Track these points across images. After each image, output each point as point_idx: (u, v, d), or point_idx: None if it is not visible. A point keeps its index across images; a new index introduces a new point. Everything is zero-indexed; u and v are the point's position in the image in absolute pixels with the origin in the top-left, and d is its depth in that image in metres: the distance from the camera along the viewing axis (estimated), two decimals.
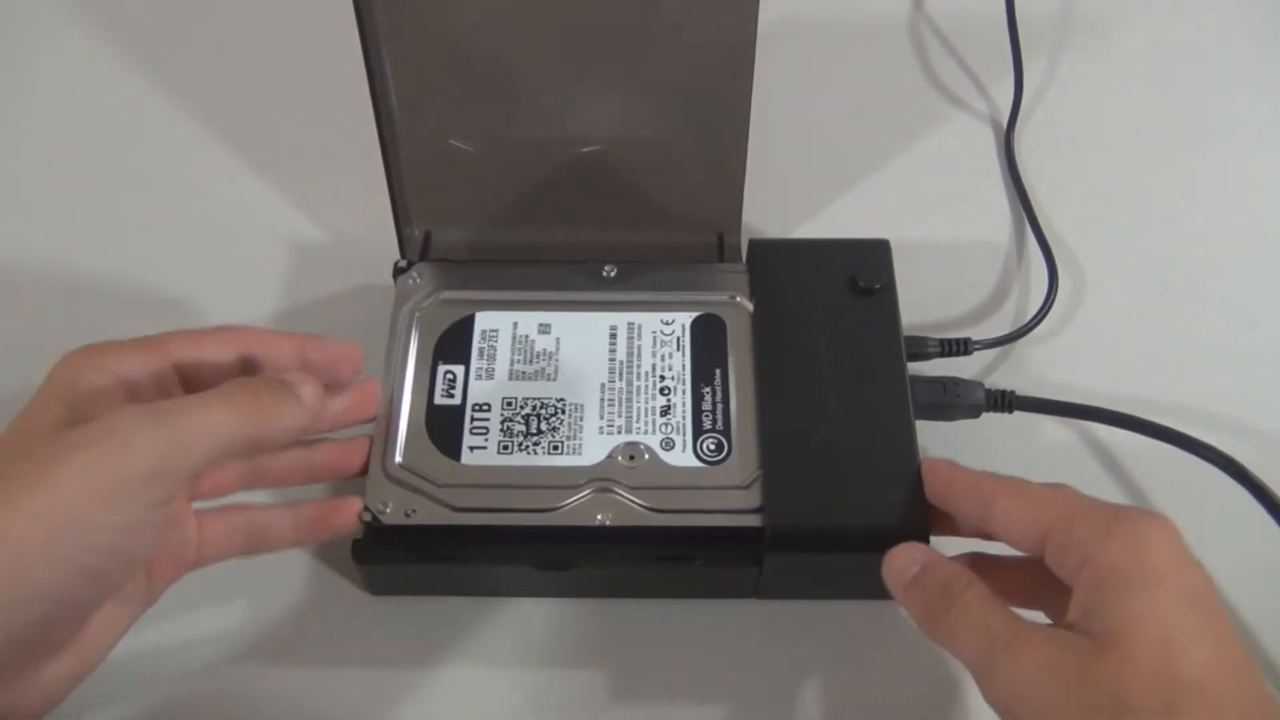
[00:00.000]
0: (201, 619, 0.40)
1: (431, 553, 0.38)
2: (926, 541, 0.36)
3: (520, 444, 0.39)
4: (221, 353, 0.35)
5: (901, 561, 0.34)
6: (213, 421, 0.31)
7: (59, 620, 0.30)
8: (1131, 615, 0.29)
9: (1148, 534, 0.30)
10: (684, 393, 0.40)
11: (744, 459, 0.38)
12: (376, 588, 0.40)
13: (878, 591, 0.40)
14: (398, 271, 0.43)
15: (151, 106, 0.55)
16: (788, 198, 0.52)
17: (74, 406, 0.31)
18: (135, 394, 0.33)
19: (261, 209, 0.51)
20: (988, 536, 0.35)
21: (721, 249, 0.44)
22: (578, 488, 0.38)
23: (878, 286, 0.42)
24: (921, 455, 0.38)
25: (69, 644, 0.31)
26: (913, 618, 0.34)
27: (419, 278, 0.42)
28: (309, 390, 0.34)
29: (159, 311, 0.48)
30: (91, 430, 0.29)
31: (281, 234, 0.50)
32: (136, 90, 0.56)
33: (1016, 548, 0.33)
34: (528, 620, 0.40)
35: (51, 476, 0.28)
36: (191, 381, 0.35)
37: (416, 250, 0.44)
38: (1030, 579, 0.34)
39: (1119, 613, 0.29)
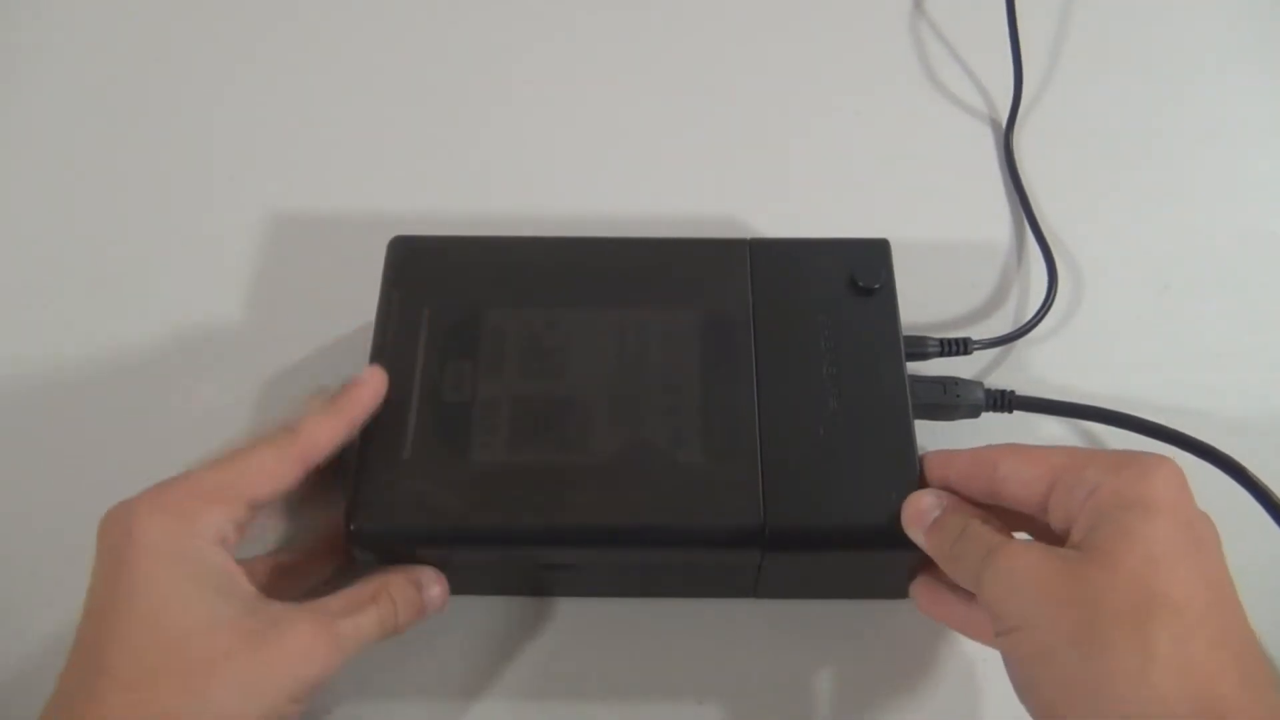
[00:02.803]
0: None
1: (434, 552, 0.38)
2: None
3: (529, 442, 0.39)
4: (289, 475, 0.35)
5: (924, 504, 0.35)
6: (365, 633, 0.34)
7: None
8: (1122, 531, 0.30)
9: (1153, 469, 0.31)
10: (693, 391, 0.40)
11: (751, 458, 0.38)
12: None
13: (878, 591, 0.41)
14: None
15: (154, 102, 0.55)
16: (788, 198, 0.52)
17: (203, 586, 0.32)
18: (226, 542, 0.33)
19: (254, 200, 0.51)
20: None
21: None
22: (586, 486, 0.38)
23: (877, 286, 0.41)
24: (921, 454, 0.38)
25: None
26: (933, 556, 0.35)
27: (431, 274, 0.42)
28: (437, 592, 0.37)
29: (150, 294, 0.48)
30: (267, 644, 0.32)
31: (278, 231, 0.51)
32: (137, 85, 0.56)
33: (1021, 504, 0.34)
34: (527, 619, 0.40)
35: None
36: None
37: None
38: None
39: (1112, 529, 0.30)
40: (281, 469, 0.35)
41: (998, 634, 0.31)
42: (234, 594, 0.32)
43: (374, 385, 0.38)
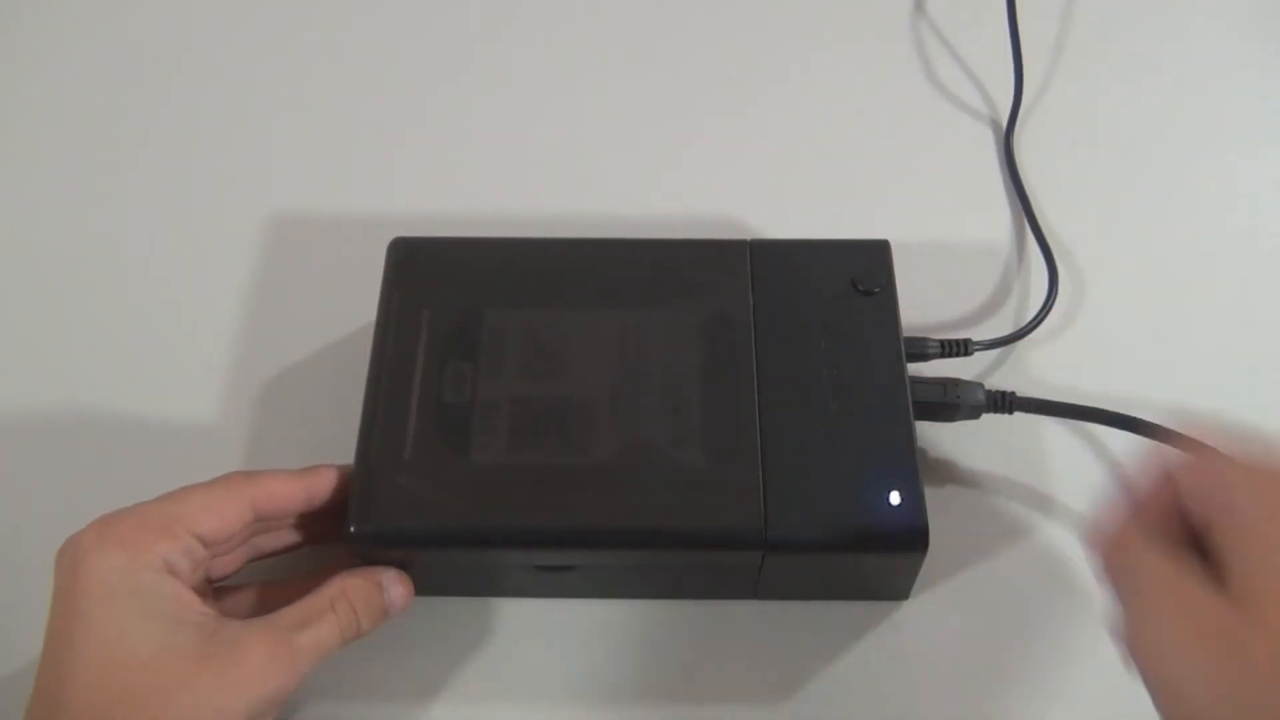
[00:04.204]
0: None
1: (434, 553, 0.38)
2: (925, 542, 0.36)
3: (529, 443, 0.39)
4: (237, 515, 0.35)
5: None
6: (324, 643, 0.34)
7: None
8: (1266, 579, 0.26)
9: None
10: (693, 392, 0.40)
11: (751, 459, 0.38)
12: None
13: (878, 592, 0.41)
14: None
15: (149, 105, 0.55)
16: (788, 198, 0.52)
17: (153, 615, 0.32)
18: (177, 572, 0.34)
19: (252, 197, 0.52)
20: None
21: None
22: (586, 487, 0.38)
23: (878, 288, 0.41)
24: (920, 456, 0.38)
25: None
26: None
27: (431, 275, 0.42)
28: (400, 592, 0.37)
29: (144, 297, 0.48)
30: (221, 666, 0.32)
31: (279, 231, 0.51)
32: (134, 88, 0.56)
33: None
34: (527, 620, 0.40)
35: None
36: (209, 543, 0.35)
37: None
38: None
39: (1254, 576, 0.27)
40: (230, 508, 0.35)
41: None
42: (186, 620, 0.33)
43: (343, 478, 0.38)
